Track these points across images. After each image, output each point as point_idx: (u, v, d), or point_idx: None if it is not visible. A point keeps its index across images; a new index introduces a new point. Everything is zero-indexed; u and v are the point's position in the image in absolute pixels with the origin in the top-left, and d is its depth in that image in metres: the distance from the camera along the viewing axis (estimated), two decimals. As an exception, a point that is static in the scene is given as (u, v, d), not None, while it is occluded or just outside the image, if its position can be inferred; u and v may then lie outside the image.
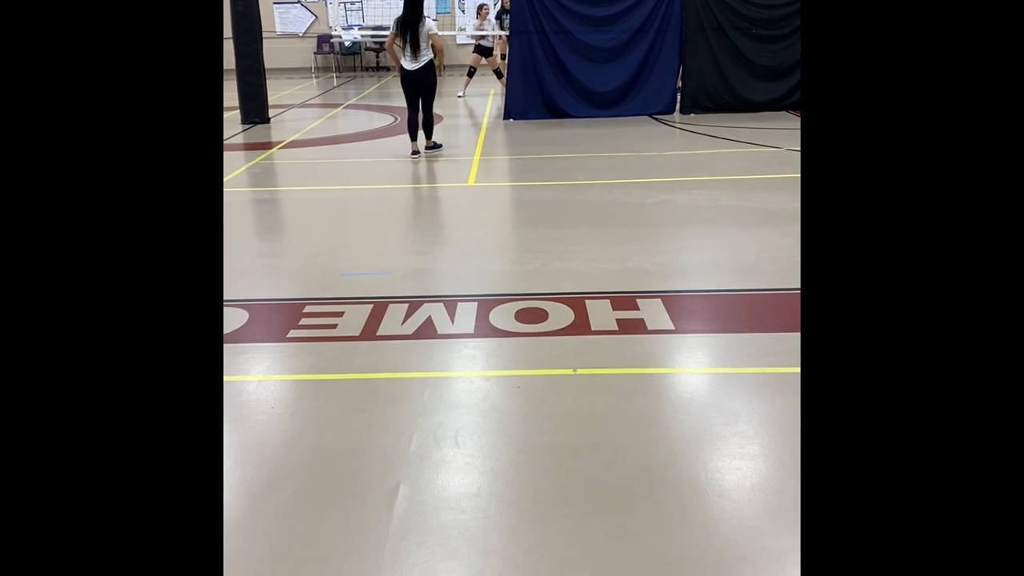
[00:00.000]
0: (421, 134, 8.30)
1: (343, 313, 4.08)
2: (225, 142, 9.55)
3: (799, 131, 1.21)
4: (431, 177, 7.73)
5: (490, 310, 4.06)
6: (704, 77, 10.78)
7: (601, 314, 3.97)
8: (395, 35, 7.95)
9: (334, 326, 3.93)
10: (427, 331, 3.84)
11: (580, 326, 3.84)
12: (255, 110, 10.76)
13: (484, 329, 3.84)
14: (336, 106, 13.36)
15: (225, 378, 3.38)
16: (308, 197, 7.10)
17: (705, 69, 10.75)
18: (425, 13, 7.95)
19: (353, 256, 5.19)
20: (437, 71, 8.09)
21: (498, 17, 13.93)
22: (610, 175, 7.27)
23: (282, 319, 4.09)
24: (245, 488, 2.61)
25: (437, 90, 8.33)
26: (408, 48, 7.81)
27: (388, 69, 18.71)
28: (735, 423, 2.92)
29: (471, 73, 13.88)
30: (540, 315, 3.99)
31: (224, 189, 7.31)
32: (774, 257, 4.77)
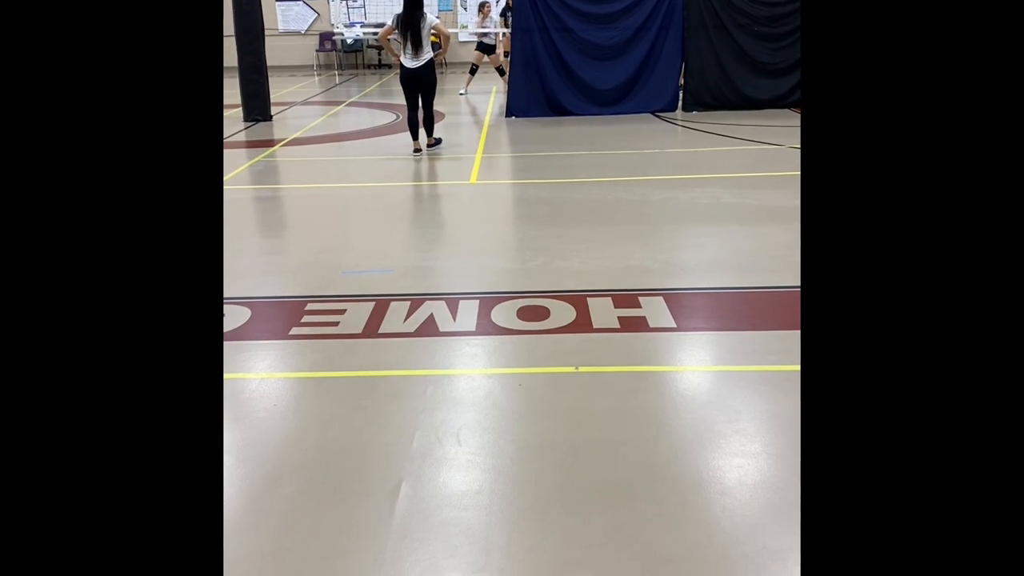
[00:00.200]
0: (422, 132, 8.29)
1: (345, 311, 4.08)
2: (227, 140, 9.55)
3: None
4: (433, 175, 7.73)
5: (492, 308, 4.06)
6: (706, 74, 10.77)
7: (603, 312, 3.97)
8: (391, 29, 7.94)
9: (336, 323, 3.93)
10: (429, 329, 3.84)
11: (582, 324, 3.84)
12: (257, 108, 10.76)
13: (486, 327, 3.85)
14: (338, 104, 13.35)
15: (227, 376, 3.38)
16: (310, 195, 7.10)
17: (707, 66, 10.73)
18: (426, 10, 7.94)
19: (355, 254, 5.19)
20: (439, 61, 8.06)
21: (503, 14, 13.92)
22: (612, 173, 7.27)
23: (284, 317, 4.09)
24: (247, 486, 2.62)
25: (438, 87, 8.32)
26: (409, 46, 7.78)
27: (390, 67, 18.70)
28: (737, 421, 2.93)
29: (473, 71, 13.87)
30: (542, 313, 4.00)
31: (226, 187, 7.30)
32: (776, 255, 4.77)
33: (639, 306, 4.04)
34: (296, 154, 8.85)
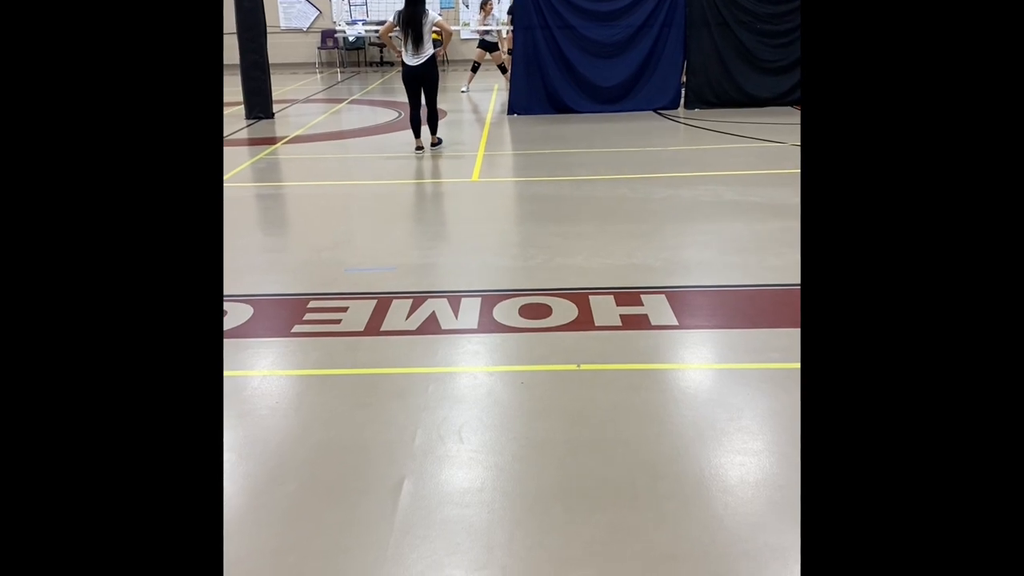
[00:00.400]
0: (424, 129, 8.27)
1: (347, 308, 4.08)
2: (229, 137, 9.56)
3: (804, 126, 1.22)
4: (435, 173, 7.72)
5: (494, 306, 4.06)
6: (708, 72, 10.75)
7: (605, 310, 3.97)
8: (392, 25, 7.91)
9: (338, 321, 3.94)
10: (431, 326, 3.84)
11: (584, 322, 3.84)
12: (259, 105, 10.76)
13: (488, 325, 3.85)
14: (340, 101, 13.35)
15: (229, 373, 3.38)
16: (312, 192, 7.10)
17: (709, 64, 10.72)
18: (427, 7, 7.91)
19: (357, 251, 5.19)
20: (440, 56, 8.03)
21: (510, 12, 13.89)
22: (614, 170, 7.27)
23: (286, 314, 4.10)
24: (249, 483, 2.62)
25: (440, 84, 8.30)
26: (410, 43, 7.73)
27: (392, 64, 18.69)
28: (739, 419, 2.93)
29: (475, 68, 13.86)
30: (544, 311, 4.00)
31: (228, 184, 7.31)
32: (778, 253, 4.77)
33: (641, 304, 4.04)
34: (298, 152, 8.85)
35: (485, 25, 13.62)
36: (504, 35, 13.48)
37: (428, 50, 7.77)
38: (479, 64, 13.81)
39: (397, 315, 3.97)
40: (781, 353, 3.44)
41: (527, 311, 3.99)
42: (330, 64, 19.99)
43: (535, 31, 10.61)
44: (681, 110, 10.80)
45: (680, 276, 4.52)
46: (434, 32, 7.88)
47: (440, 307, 4.06)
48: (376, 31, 18.15)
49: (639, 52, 10.71)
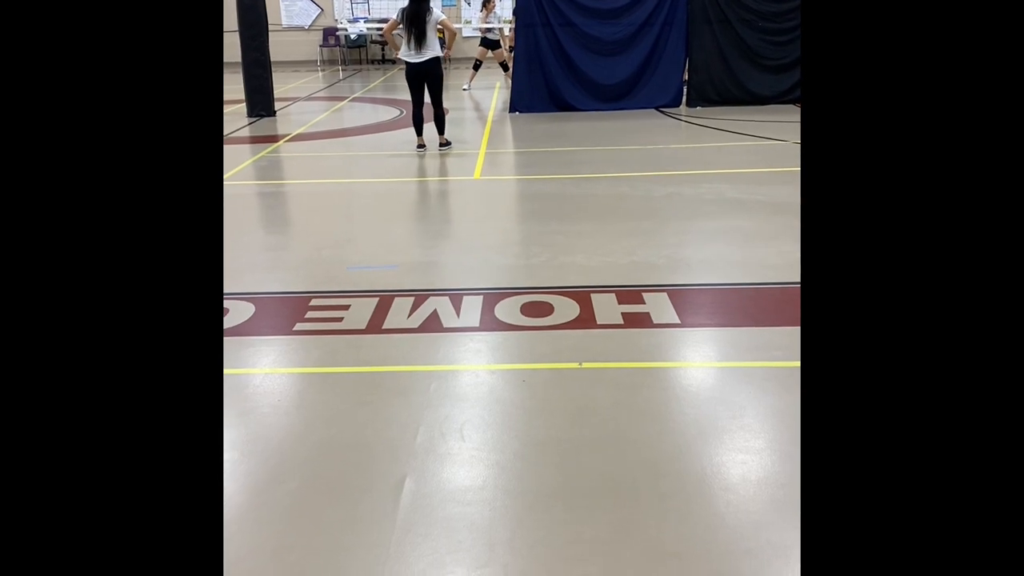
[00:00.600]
0: (426, 127, 8.23)
1: (349, 306, 4.08)
2: (231, 135, 9.56)
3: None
4: (437, 170, 7.72)
5: (495, 304, 4.06)
6: (710, 70, 10.75)
7: (607, 308, 3.97)
8: (396, 23, 7.88)
9: (340, 319, 3.94)
10: (433, 324, 3.84)
11: (586, 320, 3.84)
12: (261, 103, 10.76)
13: (490, 323, 3.84)
14: (342, 99, 13.35)
15: (231, 371, 3.39)
16: (314, 190, 7.10)
17: (711, 62, 10.72)
18: (431, 5, 7.88)
19: (359, 249, 5.19)
20: (445, 57, 7.98)
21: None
22: (616, 168, 7.26)
23: (288, 312, 4.10)
24: (251, 481, 2.62)
25: (444, 82, 8.26)
26: (413, 41, 7.67)
27: (394, 62, 18.68)
28: (741, 417, 2.92)
29: (477, 66, 13.86)
30: (545, 309, 3.99)
31: (230, 182, 7.30)
32: (780, 251, 4.76)
33: (643, 302, 4.04)
34: (300, 150, 8.85)
35: (487, 23, 13.61)
36: (506, 33, 13.47)
37: (432, 48, 7.72)
38: (481, 62, 13.80)
39: (399, 313, 3.97)
40: (783, 351, 3.43)
41: (529, 309, 3.99)
42: (332, 62, 19.99)
43: (537, 28, 10.60)
44: (683, 108, 10.79)
45: (682, 274, 4.51)
46: (438, 31, 7.84)
47: (442, 305, 4.05)
48: (378, 29, 18.17)
49: (641, 50, 10.70)
